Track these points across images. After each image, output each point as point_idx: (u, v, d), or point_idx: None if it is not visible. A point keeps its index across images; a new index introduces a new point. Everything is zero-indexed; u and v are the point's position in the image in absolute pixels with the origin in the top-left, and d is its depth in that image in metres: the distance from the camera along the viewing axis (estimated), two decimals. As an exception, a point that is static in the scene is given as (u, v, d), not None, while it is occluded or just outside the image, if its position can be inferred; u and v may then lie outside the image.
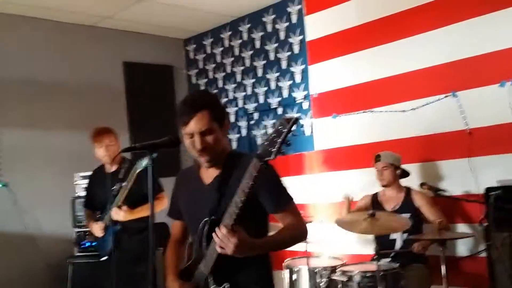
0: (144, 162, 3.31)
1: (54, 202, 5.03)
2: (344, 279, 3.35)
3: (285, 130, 1.72)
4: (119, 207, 3.65)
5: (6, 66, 5.06)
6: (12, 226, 4.88)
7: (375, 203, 4.08)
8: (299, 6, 5.25)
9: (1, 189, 4.88)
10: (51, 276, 4.95)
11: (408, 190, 4.00)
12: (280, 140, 1.72)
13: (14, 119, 5.07)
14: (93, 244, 4.34)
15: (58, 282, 4.85)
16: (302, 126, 5.25)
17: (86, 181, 4.30)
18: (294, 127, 1.74)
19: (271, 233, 2.17)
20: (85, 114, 5.43)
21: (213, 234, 1.93)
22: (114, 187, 3.71)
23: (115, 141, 3.92)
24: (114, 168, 3.88)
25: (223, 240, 1.89)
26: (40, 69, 5.30)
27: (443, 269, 3.28)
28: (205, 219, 2.07)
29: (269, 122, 5.59)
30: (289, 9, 5.34)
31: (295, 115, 1.79)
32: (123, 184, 3.64)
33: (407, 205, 3.93)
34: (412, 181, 4.08)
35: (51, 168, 5.14)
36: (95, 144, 3.88)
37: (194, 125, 2.05)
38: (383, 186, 4.03)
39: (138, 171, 3.46)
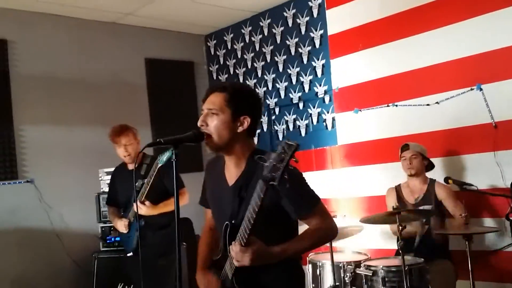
0: (165, 157, 3.21)
1: (79, 198, 5.09)
2: (369, 273, 3.33)
3: (287, 157, 1.73)
4: (142, 202, 3.67)
5: (29, 63, 5.12)
6: (38, 222, 4.96)
7: (398, 196, 4.05)
8: (320, 0, 5.21)
9: (27, 185, 4.96)
10: (77, 271, 5.02)
11: (431, 182, 3.95)
12: (282, 166, 1.73)
13: (38, 116, 5.13)
14: (118, 240, 4.41)
15: (83, 277, 4.92)
16: (324, 120, 5.23)
17: (109, 177, 4.33)
18: (293, 155, 1.75)
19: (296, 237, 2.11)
20: (108, 110, 5.48)
21: (230, 248, 1.95)
22: (137, 183, 3.74)
23: (133, 139, 3.90)
24: (136, 164, 3.92)
25: (237, 257, 1.91)
26: (63, 66, 5.36)
27: (469, 263, 3.24)
28: (226, 223, 2.06)
29: (290, 118, 5.57)
30: (310, 4, 5.31)
31: (295, 142, 1.76)
32: (145, 180, 3.67)
33: (429, 196, 3.89)
34: (437, 175, 4.03)
35: (75, 164, 5.20)
36: (113, 144, 3.91)
37: (206, 103, 2.09)
38: (411, 175, 3.97)
39: (159, 166, 3.46)
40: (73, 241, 5.09)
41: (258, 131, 5.84)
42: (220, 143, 2.07)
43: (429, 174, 4.03)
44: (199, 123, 2.08)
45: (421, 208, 3.82)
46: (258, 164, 1.90)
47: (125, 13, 5.50)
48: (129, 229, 3.87)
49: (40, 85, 5.18)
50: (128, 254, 3.95)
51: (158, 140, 2.02)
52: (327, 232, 2.11)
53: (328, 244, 3.64)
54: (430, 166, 4.04)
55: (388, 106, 4.63)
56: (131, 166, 3.94)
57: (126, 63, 5.86)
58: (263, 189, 1.79)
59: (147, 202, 3.68)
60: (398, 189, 4.10)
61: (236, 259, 1.93)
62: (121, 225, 3.88)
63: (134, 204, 3.71)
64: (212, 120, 2.06)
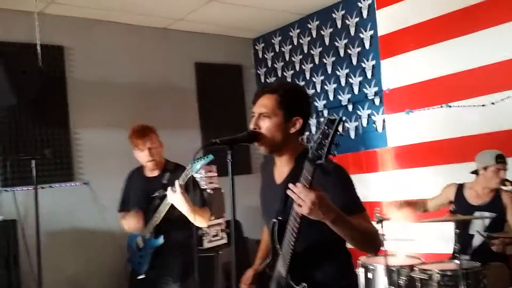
0: (199, 164, 3.03)
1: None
2: (426, 277, 3.27)
3: (332, 131, 1.68)
4: (181, 186, 3.08)
5: (84, 68, 5.28)
6: (93, 223, 5.09)
7: (459, 195, 3.92)
8: (369, 1, 5.16)
9: (83, 187, 5.12)
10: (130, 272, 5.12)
11: (498, 189, 3.80)
12: (328, 141, 1.69)
13: (93, 120, 5.27)
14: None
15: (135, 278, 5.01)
16: (374, 122, 5.17)
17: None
18: (339, 128, 1.69)
19: None
20: (159, 114, 5.57)
21: (288, 192, 1.80)
22: (156, 193, 3.34)
23: (157, 141, 3.44)
24: (155, 172, 3.47)
25: (300, 196, 1.75)
26: (117, 71, 5.50)
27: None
28: (273, 220, 2.07)
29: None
30: (359, 4, 5.26)
31: (337, 116, 1.71)
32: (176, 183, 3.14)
33: (495, 204, 3.75)
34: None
35: (129, 166, 5.28)
36: (135, 147, 3.44)
37: (257, 105, 2.09)
38: (493, 189, 3.80)
39: (191, 174, 3.11)
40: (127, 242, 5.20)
41: (306, 133, 5.89)
42: (274, 145, 2.09)
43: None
44: (251, 126, 2.09)
45: (482, 215, 3.72)
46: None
47: (176, 18, 5.61)
48: (144, 247, 3.43)
49: (95, 90, 5.33)
50: (140, 277, 3.43)
51: (214, 140, 2.00)
52: (377, 237, 2.05)
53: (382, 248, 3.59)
54: None
55: (441, 107, 4.53)
56: (149, 173, 3.50)
57: (177, 68, 5.96)
58: (311, 170, 1.74)
59: (179, 188, 3.08)
60: (461, 186, 3.95)
61: (298, 201, 1.76)
62: (134, 219, 3.35)
63: (153, 219, 3.32)
64: (265, 122, 2.07)
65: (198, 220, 3.26)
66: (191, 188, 3.20)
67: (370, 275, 3.74)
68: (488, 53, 4.21)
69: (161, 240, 3.33)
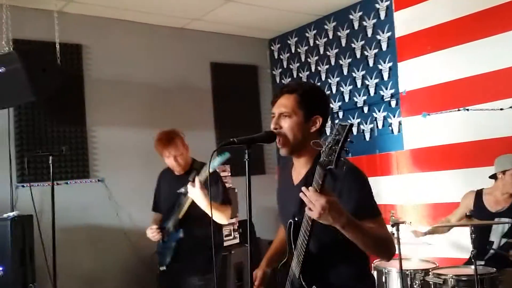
0: (216, 162, 3.08)
1: (146, 198, 5.20)
2: (440, 281, 3.24)
3: (342, 138, 1.70)
4: (200, 182, 3.19)
5: (101, 67, 5.32)
6: (107, 220, 5.15)
7: (478, 202, 3.87)
8: (387, 2, 5.13)
9: (98, 184, 5.16)
10: (142, 269, 5.15)
11: None
12: (338, 148, 1.70)
13: (109, 118, 5.32)
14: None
15: (148, 274, 5.04)
16: (390, 125, 5.13)
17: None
18: (350, 134, 1.70)
19: None
20: (174, 113, 5.61)
21: (300, 195, 1.81)
22: (182, 189, 3.44)
23: (182, 147, 3.53)
24: (183, 171, 3.60)
25: (311, 200, 1.76)
26: (133, 70, 5.54)
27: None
28: (290, 221, 2.07)
29: (354, 122, 5.50)
30: (377, 6, 5.23)
31: (349, 122, 1.72)
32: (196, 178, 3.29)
33: None
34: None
35: (143, 165, 5.33)
36: (161, 154, 3.57)
37: (277, 106, 2.10)
38: None
39: (209, 171, 3.10)
40: (140, 240, 5.20)
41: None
42: (294, 144, 2.09)
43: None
44: (272, 126, 2.10)
45: (501, 220, 3.67)
46: None
47: (192, 18, 5.62)
48: (168, 240, 3.56)
49: (112, 88, 5.37)
50: (161, 268, 3.61)
51: (231, 139, 2.02)
52: (390, 243, 2.00)
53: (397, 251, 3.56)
54: None
55: (459, 110, 4.48)
56: (178, 172, 3.62)
57: (193, 67, 5.99)
58: (321, 175, 1.76)
59: (198, 183, 3.18)
60: (479, 193, 3.92)
61: (309, 204, 1.77)
62: (149, 233, 3.52)
63: (176, 213, 3.46)
64: (286, 122, 2.08)
65: (218, 216, 3.35)
66: (212, 183, 3.29)
67: (383, 279, 3.72)
68: (506, 57, 4.16)
69: (180, 233, 3.45)
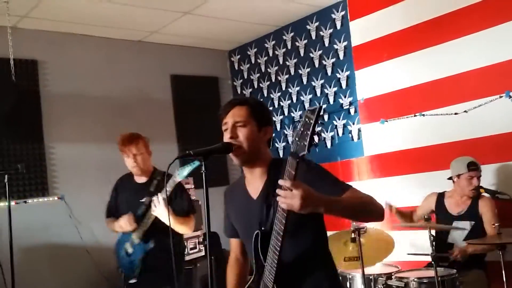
0: (185, 171, 3.08)
1: (108, 214, 5.15)
2: (401, 285, 3.29)
3: (312, 121, 1.71)
4: (164, 199, 3.16)
5: (58, 82, 5.24)
6: (68, 238, 5.03)
7: (439, 204, 3.97)
8: (343, 12, 5.23)
9: (57, 201, 5.04)
10: (107, 285, 5.05)
11: (475, 197, 3.83)
12: (309, 132, 1.71)
13: (68, 133, 5.22)
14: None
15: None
16: (350, 132, 5.21)
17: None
18: (320, 117, 1.72)
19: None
20: (135, 126, 5.44)
21: (276, 192, 1.79)
22: (144, 199, 3.42)
23: (144, 149, 3.51)
24: (143, 178, 3.56)
25: (287, 195, 1.74)
26: (91, 84, 5.46)
27: (503, 274, 3.18)
28: (256, 232, 2.05)
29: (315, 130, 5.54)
30: (333, 16, 5.33)
31: (317, 106, 1.75)
32: (154, 197, 3.27)
33: (472, 211, 3.79)
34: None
35: (104, 180, 5.19)
36: (122, 153, 3.54)
37: (230, 116, 2.12)
38: (470, 197, 3.82)
39: (178, 181, 3.21)
40: (103, 256, 5.12)
41: (283, 144, 5.90)
42: (250, 154, 2.09)
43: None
44: (229, 135, 2.10)
45: (459, 225, 3.76)
46: (278, 167, 1.96)
47: (151, 31, 5.60)
48: (133, 252, 3.50)
49: (70, 103, 5.29)
50: (131, 281, 3.50)
51: (187, 151, 2.01)
52: (373, 201, 1.98)
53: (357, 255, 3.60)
54: None
55: (415, 116, 4.59)
56: (139, 179, 3.58)
57: (152, 80, 5.95)
58: (294, 165, 1.77)
59: (162, 200, 3.17)
60: (441, 196, 4.00)
61: (285, 202, 1.76)
62: (126, 221, 3.42)
63: (141, 224, 3.42)
64: (241, 131, 2.09)
65: (183, 229, 3.41)
66: (178, 196, 3.39)
67: (348, 284, 3.76)
68: (460, 62, 4.29)
69: (151, 244, 3.42)
